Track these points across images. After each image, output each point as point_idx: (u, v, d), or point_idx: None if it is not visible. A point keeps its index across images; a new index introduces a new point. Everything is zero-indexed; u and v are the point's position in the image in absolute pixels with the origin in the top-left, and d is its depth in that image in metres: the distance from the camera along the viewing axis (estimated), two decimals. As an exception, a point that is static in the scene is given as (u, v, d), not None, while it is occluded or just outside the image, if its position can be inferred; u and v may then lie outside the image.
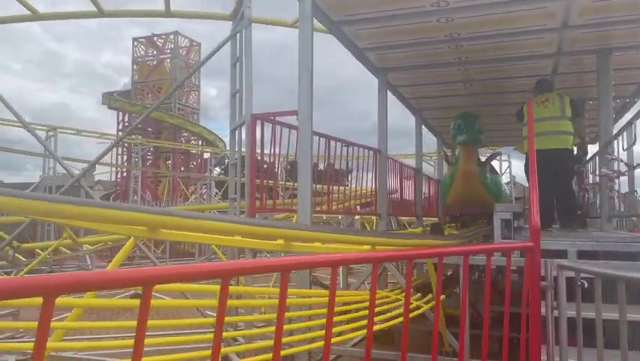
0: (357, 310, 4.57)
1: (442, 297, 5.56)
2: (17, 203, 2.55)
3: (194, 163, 39.52)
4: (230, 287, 5.73)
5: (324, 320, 4.10)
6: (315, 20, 6.58)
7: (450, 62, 8.93)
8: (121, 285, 1.39)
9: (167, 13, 8.43)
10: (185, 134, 38.69)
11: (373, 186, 8.62)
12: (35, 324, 1.22)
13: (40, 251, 13.42)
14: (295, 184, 7.34)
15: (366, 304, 5.09)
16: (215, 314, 1.75)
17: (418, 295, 5.65)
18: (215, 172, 39.43)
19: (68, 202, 2.62)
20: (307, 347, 4.05)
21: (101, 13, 8.51)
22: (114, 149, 30.54)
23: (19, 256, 10.80)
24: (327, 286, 6.48)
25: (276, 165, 8.96)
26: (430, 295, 5.46)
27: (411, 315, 4.66)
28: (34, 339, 1.18)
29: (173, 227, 3.23)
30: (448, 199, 9.24)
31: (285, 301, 2.02)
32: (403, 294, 5.59)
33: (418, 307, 5.05)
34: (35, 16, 8.42)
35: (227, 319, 6.03)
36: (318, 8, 6.92)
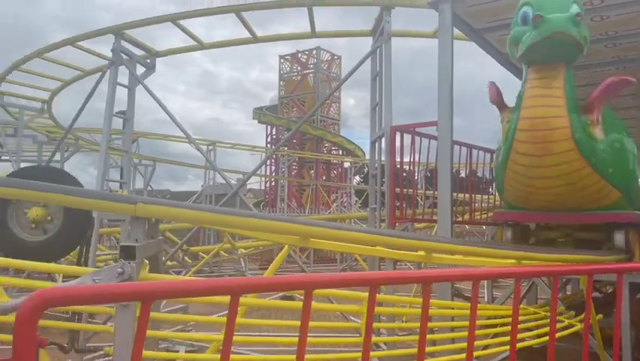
0: (503, 324, 4.46)
1: (599, 316, 5.16)
2: (197, 215, 3.05)
3: (335, 172, 40.83)
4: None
5: (467, 333, 4.09)
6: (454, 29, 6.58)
7: (608, 61, 8.21)
8: (289, 288, 1.66)
9: (313, 34, 9.02)
10: (326, 144, 40.20)
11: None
12: (202, 318, 1.52)
13: (202, 254, 15.08)
14: (436, 192, 7.33)
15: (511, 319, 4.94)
16: (356, 320, 1.94)
17: (572, 312, 5.30)
18: (354, 181, 40.35)
19: (236, 214, 3.05)
20: (450, 358, 4.08)
21: (255, 39, 9.41)
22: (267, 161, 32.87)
23: (187, 259, 12.27)
24: (469, 299, 6.35)
25: (416, 174, 9.01)
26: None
27: (562, 334, 4.43)
28: (201, 332, 1.48)
29: (322, 237, 3.53)
30: (504, 192, 5.72)
31: (427, 312, 2.15)
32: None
33: (570, 326, 4.76)
34: (201, 46, 9.60)
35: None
36: (459, 18, 6.89)
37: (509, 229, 5.97)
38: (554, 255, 4.66)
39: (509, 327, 4.63)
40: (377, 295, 4.89)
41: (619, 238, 5.37)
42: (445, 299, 5.51)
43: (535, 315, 4.83)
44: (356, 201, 34.15)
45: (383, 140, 7.65)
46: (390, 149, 7.26)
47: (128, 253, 2.70)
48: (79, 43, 10.01)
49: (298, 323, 1.69)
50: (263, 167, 37.85)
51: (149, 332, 3.02)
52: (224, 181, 14.54)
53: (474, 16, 7.01)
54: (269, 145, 39.22)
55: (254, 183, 41.44)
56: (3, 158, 16.32)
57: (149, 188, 21.12)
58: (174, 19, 8.50)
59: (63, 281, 5.39)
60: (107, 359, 5.27)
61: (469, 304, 5.53)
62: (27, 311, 1.22)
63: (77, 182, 3.99)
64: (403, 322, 6.46)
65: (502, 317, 4.51)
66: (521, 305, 7.00)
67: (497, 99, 5.57)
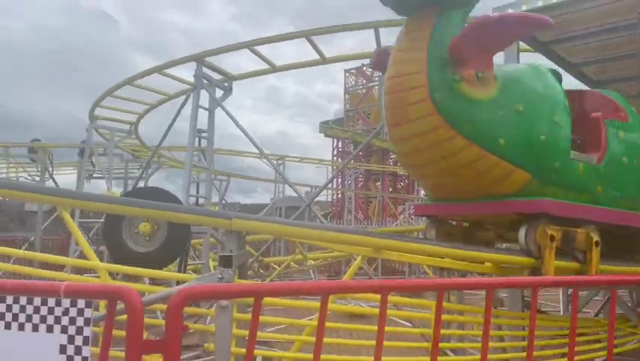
0: (582, 334, 4.56)
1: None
2: (284, 229, 3.48)
3: (402, 184, 40.66)
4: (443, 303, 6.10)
5: (539, 342, 4.23)
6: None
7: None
8: (369, 291, 2.00)
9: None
10: (392, 156, 40.17)
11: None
12: (291, 321, 1.87)
13: (274, 265, 15.71)
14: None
15: (587, 330, 4.97)
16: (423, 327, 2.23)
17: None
18: (421, 193, 39.95)
19: (320, 228, 3.44)
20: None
21: (323, 60, 9.91)
22: (330, 172, 33.41)
23: (261, 270, 12.91)
24: (540, 310, 6.37)
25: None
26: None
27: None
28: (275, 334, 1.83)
29: (393, 249, 3.84)
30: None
31: (490, 319, 2.42)
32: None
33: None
34: (274, 69, 10.19)
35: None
36: (524, 32, 6.99)
37: (432, 225, 4.83)
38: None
39: (586, 338, 4.69)
40: (446, 303, 5.11)
41: (520, 235, 4.31)
42: (515, 310, 5.61)
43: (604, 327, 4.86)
44: (424, 212, 33.75)
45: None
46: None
47: (226, 261, 3.14)
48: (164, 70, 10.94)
49: (368, 327, 2.02)
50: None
51: (237, 331, 3.46)
52: (292, 194, 15.07)
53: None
54: (335, 158, 39.79)
55: (320, 196, 42.07)
56: (95, 175, 17.87)
57: (223, 202, 22.17)
58: (250, 45, 9.14)
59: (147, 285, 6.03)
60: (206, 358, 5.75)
61: (540, 315, 5.58)
62: (177, 302, 1.66)
63: (178, 199, 4.57)
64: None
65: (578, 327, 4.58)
66: (597, 318, 6.90)
67: (377, 64, 4.82)
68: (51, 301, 1.82)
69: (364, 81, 41.91)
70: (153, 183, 17.41)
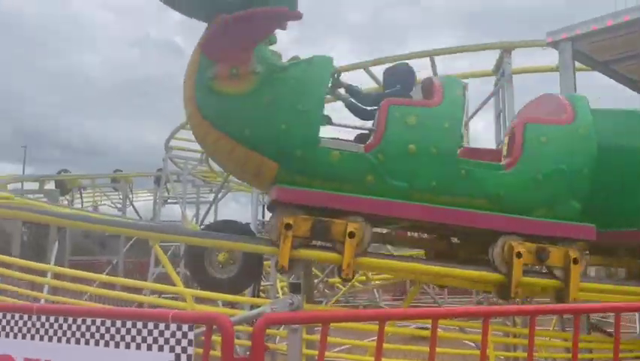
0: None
1: None
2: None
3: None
4: (507, 328, 6.19)
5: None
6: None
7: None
8: (418, 318, 2.31)
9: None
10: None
11: None
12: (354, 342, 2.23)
13: (338, 285, 16.00)
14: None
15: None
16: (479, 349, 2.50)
17: None
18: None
19: (376, 257, 3.77)
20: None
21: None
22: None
23: (326, 290, 13.25)
24: (609, 333, 6.29)
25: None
26: None
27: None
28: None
29: (454, 276, 4.10)
30: None
31: (530, 343, 2.64)
32: None
33: None
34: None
35: (505, 354, 6.48)
36: (580, 53, 7.05)
37: None
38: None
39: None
40: (510, 327, 5.23)
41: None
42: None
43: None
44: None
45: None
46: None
47: (295, 288, 3.55)
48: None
49: (424, 348, 2.32)
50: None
51: (307, 351, 3.85)
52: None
53: (597, 51, 7.13)
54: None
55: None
56: (170, 201, 19.14)
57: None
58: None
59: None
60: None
61: (608, 338, 5.56)
62: (261, 326, 2.06)
63: (250, 230, 5.05)
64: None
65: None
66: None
67: None
68: (161, 326, 2.29)
69: (425, 99, 41.68)
70: (221, 203, 18.28)
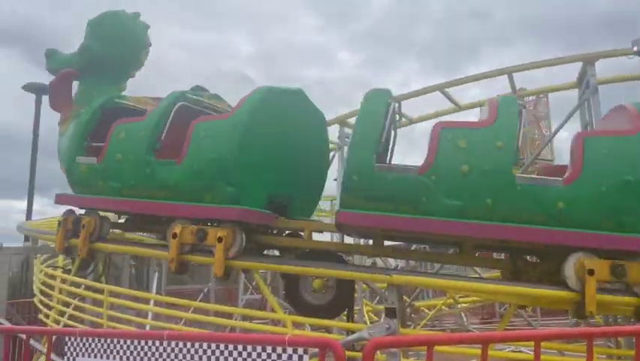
0: None
1: None
2: (437, 282, 3.94)
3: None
4: (610, 350, 5.91)
5: None
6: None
7: None
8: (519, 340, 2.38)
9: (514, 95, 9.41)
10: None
11: None
12: None
13: (424, 309, 15.76)
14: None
15: None
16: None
17: None
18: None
19: (469, 280, 3.84)
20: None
21: (458, 108, 10.27)
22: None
23: (412, 314, 13.13)
24: None
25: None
26: None
27: None
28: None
29: (548, 297, 4.06)
30: None
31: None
32: None
33: None
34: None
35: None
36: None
37: None
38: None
39: None
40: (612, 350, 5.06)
41: None
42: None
43: None
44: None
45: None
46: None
47: (391, 313, 3.68)
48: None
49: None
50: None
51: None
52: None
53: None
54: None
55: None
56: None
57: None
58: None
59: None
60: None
61: None
62: (371, 348, 2.24)
63: (343, 260, 5.29)
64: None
65: None
66: None
67: None
68: (278, 349, 2.53)
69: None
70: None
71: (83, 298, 7.65)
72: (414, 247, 7.43)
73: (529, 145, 37.82)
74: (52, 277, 8.04)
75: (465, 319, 17.89)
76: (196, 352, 2.85)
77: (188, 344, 2.88)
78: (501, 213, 4.40)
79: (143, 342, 3.10)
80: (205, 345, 2.82)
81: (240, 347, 2.67)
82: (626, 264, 4.28)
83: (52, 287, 7.86)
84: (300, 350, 2.45)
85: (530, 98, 39.32)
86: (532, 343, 2.39)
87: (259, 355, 2.60)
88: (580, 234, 4.30)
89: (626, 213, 4.32)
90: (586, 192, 4.38)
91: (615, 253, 4.36)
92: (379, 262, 10.29)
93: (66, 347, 3.53)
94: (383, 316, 8.13)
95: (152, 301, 8.51)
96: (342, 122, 10.72)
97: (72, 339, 3.48)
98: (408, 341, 2.22)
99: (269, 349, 2.55)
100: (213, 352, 2.77)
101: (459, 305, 16.27)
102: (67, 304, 7.38)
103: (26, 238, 15.06)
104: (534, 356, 2.32)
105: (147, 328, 7.45)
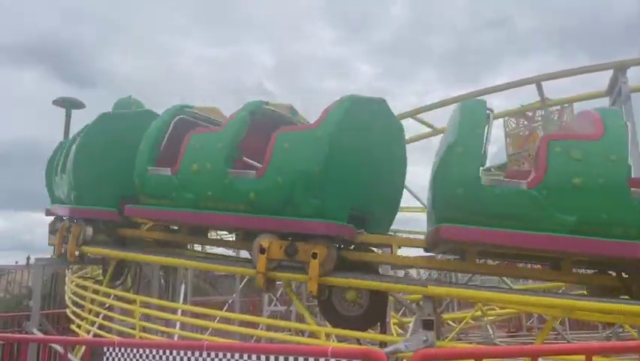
0: None
1: None
2: (471, 293, 3.88)
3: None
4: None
5: None
6: None
7: None
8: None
9: (543, 105, 9.32)
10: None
11: None
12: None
13: (450, 322, 15.51)
14: None
15: None
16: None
17: None
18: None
19: (505, 291, 3.77)
20: None
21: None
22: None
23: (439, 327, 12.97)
24: None
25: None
26: None
27: None
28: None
29: (585, 309, 3.97)
30: None
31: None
32: None
33: None
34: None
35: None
36: None
37: None
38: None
39: None
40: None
41: None
42: None
43: None
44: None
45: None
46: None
47: (427, 324, 3.63)
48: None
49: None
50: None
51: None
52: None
53: None
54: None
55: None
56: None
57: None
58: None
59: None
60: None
61: None
62: (417, 358, 2.21)
63: (378, 271, 5.25)
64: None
65: None
66: None
67: None
68: (321, 360, 2.52)
69: (526, 122, 40.05)
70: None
71: (112, 308, 7.76)
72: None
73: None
74: (84, 287, 8.17)
75: (491, 331, 17.56)
76: (235, 362, 2.85)
77: (228, 355, 2.89)
78: (617, 230, 4.25)
79: (182, 352, 3.12)
80: (245, 356, 2.82)
81: (281, 358, 2.66)
82: None
83: (83, 298, 7.98)
84: (343, 361, 2.44)
85: (554, 108, 38.90)
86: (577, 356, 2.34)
87: (301, 366, 2.59)
88: None
89: None
90: None
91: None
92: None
93: (104, 358, 3.57)
94: (411, 327, 8.03)
95: (179, 311, 8.58)
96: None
97: (110, 349, 3.52)
98: (456, 353, 2.19)
99: (311, 360, 2.54)
100: (254, 362, 2.77)
101: (486, 318, 15.98)
102: (98, 315, 7.48)
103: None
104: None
105: (175, 337, 7.49)
